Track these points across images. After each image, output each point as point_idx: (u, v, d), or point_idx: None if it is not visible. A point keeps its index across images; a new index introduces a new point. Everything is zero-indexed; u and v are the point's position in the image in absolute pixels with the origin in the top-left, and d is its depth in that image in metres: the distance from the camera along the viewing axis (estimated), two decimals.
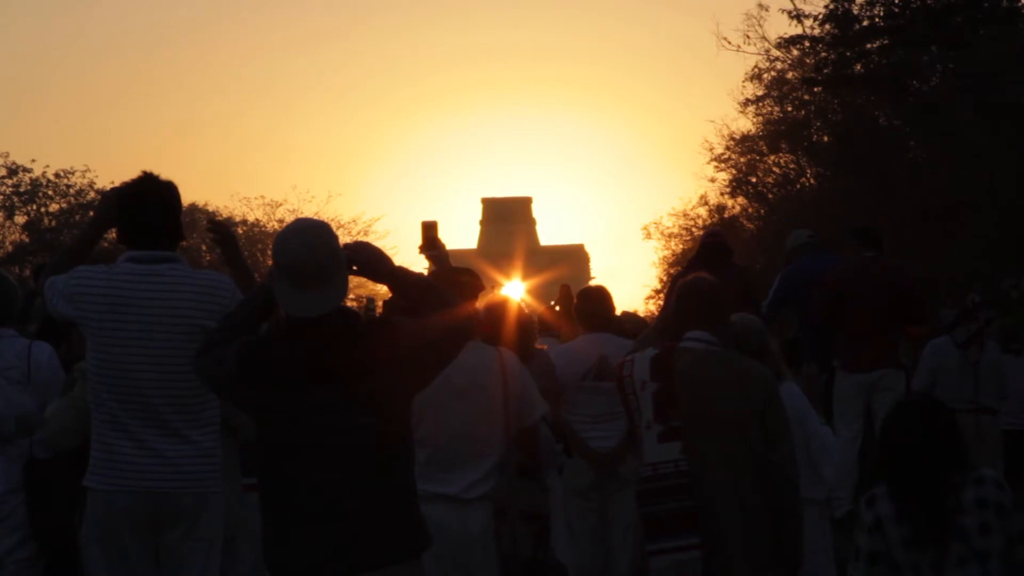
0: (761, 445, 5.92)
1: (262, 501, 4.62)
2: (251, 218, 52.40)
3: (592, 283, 52.40)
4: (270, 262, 4.73)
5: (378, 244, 4.93)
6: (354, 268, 4.79)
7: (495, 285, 36.56)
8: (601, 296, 8.52)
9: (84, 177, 39.78)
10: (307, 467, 4.49)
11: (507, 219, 75.36)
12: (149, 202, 5.67)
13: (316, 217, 39.25)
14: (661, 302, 49.73)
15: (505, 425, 6.34)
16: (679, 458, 5.92)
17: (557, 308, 16.14)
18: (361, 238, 50.40)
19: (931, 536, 5.05)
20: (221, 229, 6.10)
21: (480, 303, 7.52)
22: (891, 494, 5.13)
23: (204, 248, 41.89)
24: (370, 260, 4.81)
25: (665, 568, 5.92)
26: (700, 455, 5.92)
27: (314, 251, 4.52)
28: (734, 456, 5.90)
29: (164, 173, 5.75)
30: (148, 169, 5.74)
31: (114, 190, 5.88)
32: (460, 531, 6.19)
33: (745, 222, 38.08)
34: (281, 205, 51.45)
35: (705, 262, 9.74)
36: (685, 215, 46.48)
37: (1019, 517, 5.12)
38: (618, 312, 9.33)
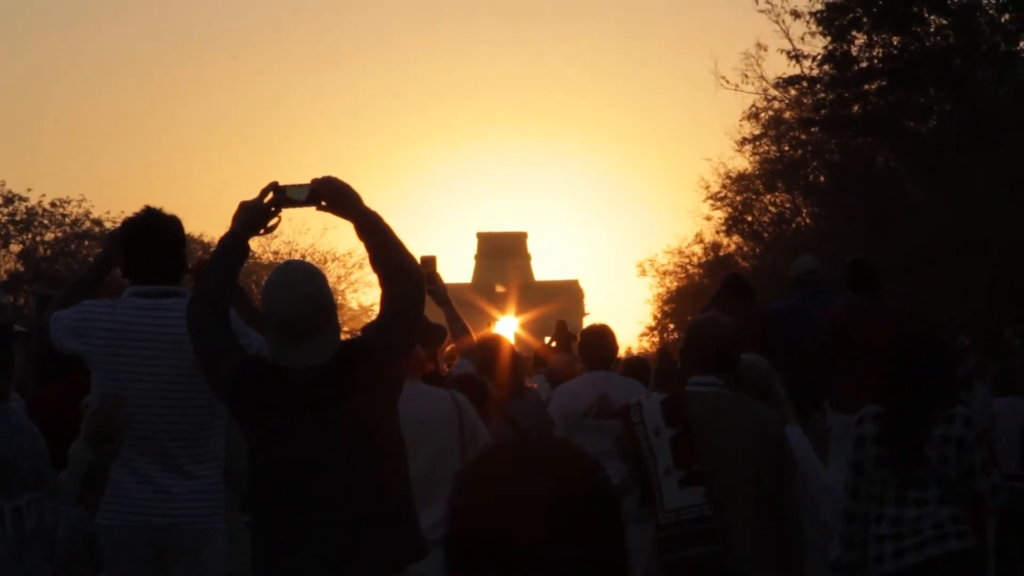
0: (775, 488, 5.86)
1: (255, 516, 4.60)
2: None
3: (586, 319, 52.25)
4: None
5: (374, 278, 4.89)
6: (322, 204, 4.75)
7: (490, 320, 36.51)
8: (603, 335, 8.52)
9: (80, 207, 39.67)
10: (303, 483, 4.51)
11: (502, 254, 75.32)
12: (153, 236, 5.67)
13: (311, 249, 39.09)
14: (655, 339, 49.78)
15: None
16: (703, 503, 5.86)
17: (553, 344, 16.19)
18: (356, 271, 50.87)
19: (898, 460, 6.02)
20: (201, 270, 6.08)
21: (474, 339, 7.57)
22: (876, 416, 6.14)
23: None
24: (339, 195, 4.74)
25: None
26: (718, 501, 5.87)
27: (305, 305, 4.47)
28: (750, 502, 5.85)
29: (159, 204, 5.78)
30: (145, 201, 5.77)
31: (120, 227, 5.89)
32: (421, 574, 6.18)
33: (740, 261, 38.08)
34: (276, 237, 51.50)
35: (726, 300, 9.64)
36: (680, 252, 46.49)
37: (980, 451, 6.08)
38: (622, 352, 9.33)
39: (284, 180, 4.84)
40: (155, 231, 5.68)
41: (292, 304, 4.45)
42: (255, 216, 4.82)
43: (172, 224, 5.74)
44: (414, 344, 4.77)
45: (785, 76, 29.59)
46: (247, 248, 4.86)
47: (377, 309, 4.83)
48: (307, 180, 4.80)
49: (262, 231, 4.87)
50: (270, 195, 4.82)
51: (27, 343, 5.49)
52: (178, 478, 5.52)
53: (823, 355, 10.30)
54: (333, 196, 4.74)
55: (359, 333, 5.28)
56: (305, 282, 4.52)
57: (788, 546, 5.87)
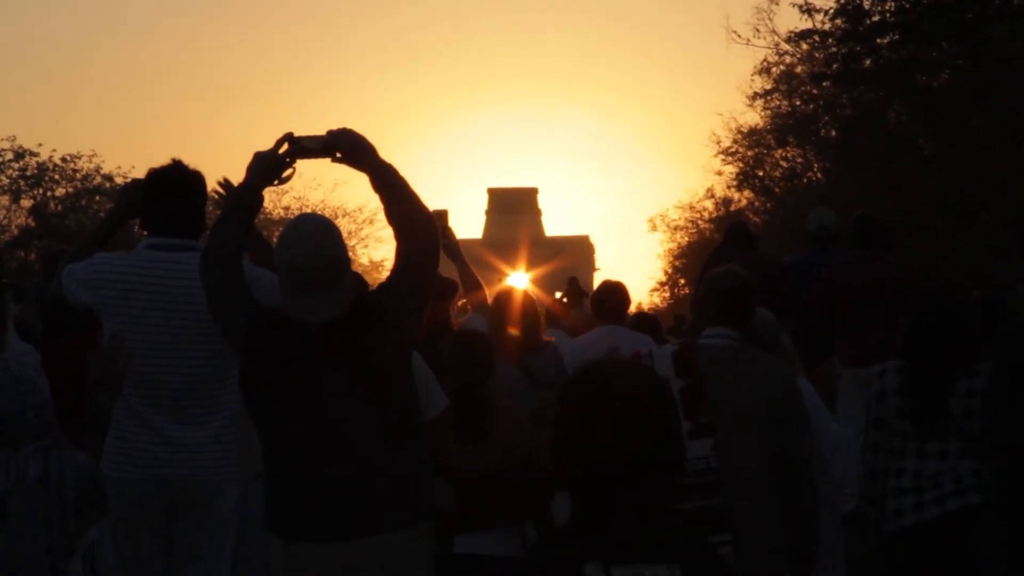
0: (782, 442, 5.82)
1: (267, 470, 4.61)
2: None
3: (597, 275, 51.83)
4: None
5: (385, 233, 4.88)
6: (337, 155, 4.74)
7: (501, 275, 36.49)
8: (616, 290, 8.56)
9: (91, 162, 39.62)
10: (316, 437, 4.50)
11: (513, 209, 75.05)
12: (175, 190, 5.67)
13: (322, 204, 38.95)
14: (666, 294, 49.80)
15: None
16: (709, 454, 5.83)
17: (565, 300, 16.20)
18: (366, 227, 50.83)
19: (922, 413, 6.01)
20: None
21: (486, 293, 7.58)
22: (899, 370, 6.12)
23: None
24: (355, 147, 4.74)
25: None
26: (724, 453, 5.84)
27: (318, 257, 4.46)
28: (755, 454, 5.81)
29: (169, 159, 5.77)
30: (156, 157, 5.81)
31: (139, 179, 5.89)
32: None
33: (751, 215, 38.06)
34: (287, 192, 51.39)
35: (732, 251, 9.58)
36: (691, 208, 46.55)
37: None
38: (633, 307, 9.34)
39: (297, 134, 4.84)
40: (176, 184, 5.69)
41: (305, 255, 4.44)
42: (269, 167, 4.82)
43: (195, 178, 5.75)
44: (429, 297, 4.76)
45: (797, 30, 29.43)
46: (260, 199, 4.87)
47: (389, 264, 4.82)
48: (321, 133, 4.80)
49: (276, 182, 4.87)
50: (285, 146, 4.82)
51: (3, 295, 5.47)
52: (189, 429, 5.54)
53: (823, 310, 10.25)
54: (349, 148, 4.74)
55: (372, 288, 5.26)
56: (318, 234, 4.51)
57: (798, 499, 5.85)
